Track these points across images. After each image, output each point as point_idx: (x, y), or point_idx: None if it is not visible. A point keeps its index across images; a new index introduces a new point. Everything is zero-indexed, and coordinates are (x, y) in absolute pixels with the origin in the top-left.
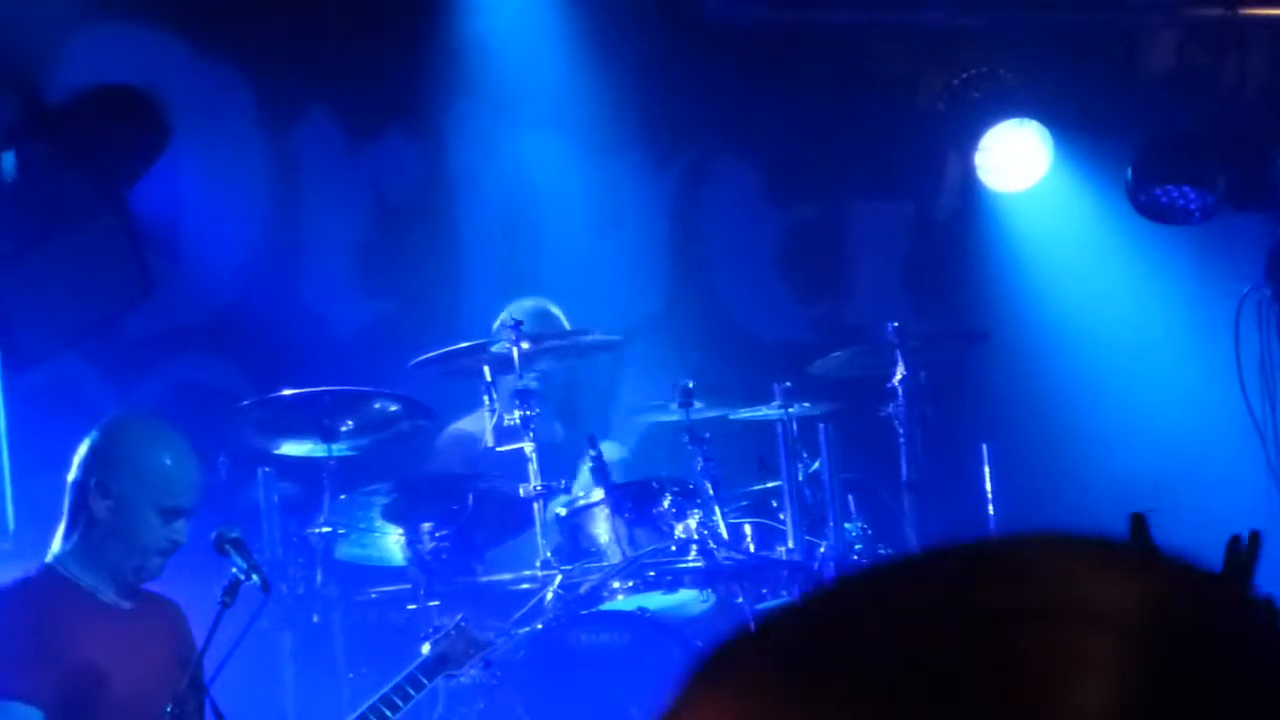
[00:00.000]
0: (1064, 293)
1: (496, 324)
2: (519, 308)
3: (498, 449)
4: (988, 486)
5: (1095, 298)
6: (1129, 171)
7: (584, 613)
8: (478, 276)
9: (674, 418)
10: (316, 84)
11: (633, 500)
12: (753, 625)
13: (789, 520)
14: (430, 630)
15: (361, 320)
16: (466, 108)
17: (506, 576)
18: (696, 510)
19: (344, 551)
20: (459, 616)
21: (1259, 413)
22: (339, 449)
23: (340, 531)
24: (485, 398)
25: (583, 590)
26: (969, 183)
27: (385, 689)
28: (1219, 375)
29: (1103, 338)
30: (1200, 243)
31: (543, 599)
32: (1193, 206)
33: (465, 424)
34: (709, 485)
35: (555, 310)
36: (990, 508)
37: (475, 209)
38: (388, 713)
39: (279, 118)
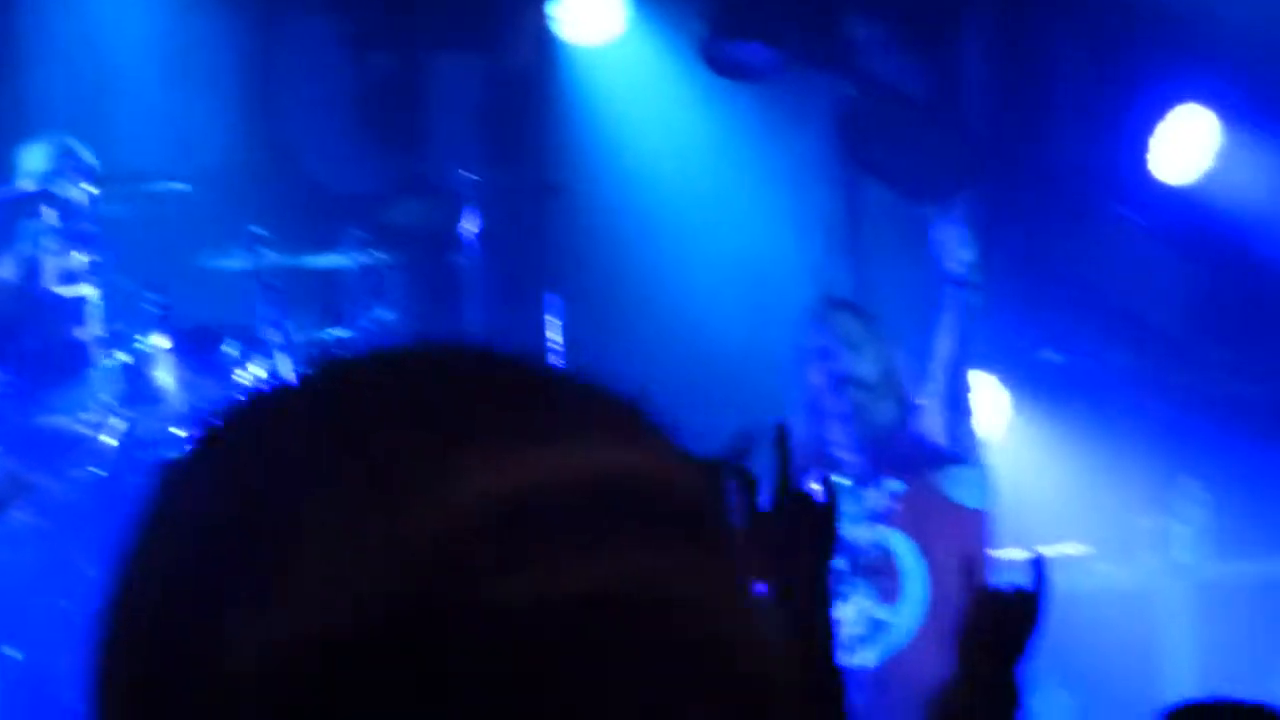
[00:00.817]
0: (638, 147)
1: (31, 164)
2: (42, 147)
3: (60, 293)
4: (557, 338)
5: (668, 153)
6: (702, 27)
7: (144, 458)
8: (40, 123)
9: (242, 264)
10: None
11: (198, 347)
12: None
13: None
14: None
15: None
16: None
17: (65, 420)
18: (263, 358)
19: None
20: (7, 458)
21: (823, 270)
22: None
23: None
24: (44, 239)
25: (143, 436)
26: (545, 35)
27: None
28: (789, 231)
29: (675, 193)
30: (771, 100)
31: (103, 444)
32: (763, 64)
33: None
34: (276, 333)
35: (79, 148)
36: (557, 359)
37: (41, 57)
38: None
39: None
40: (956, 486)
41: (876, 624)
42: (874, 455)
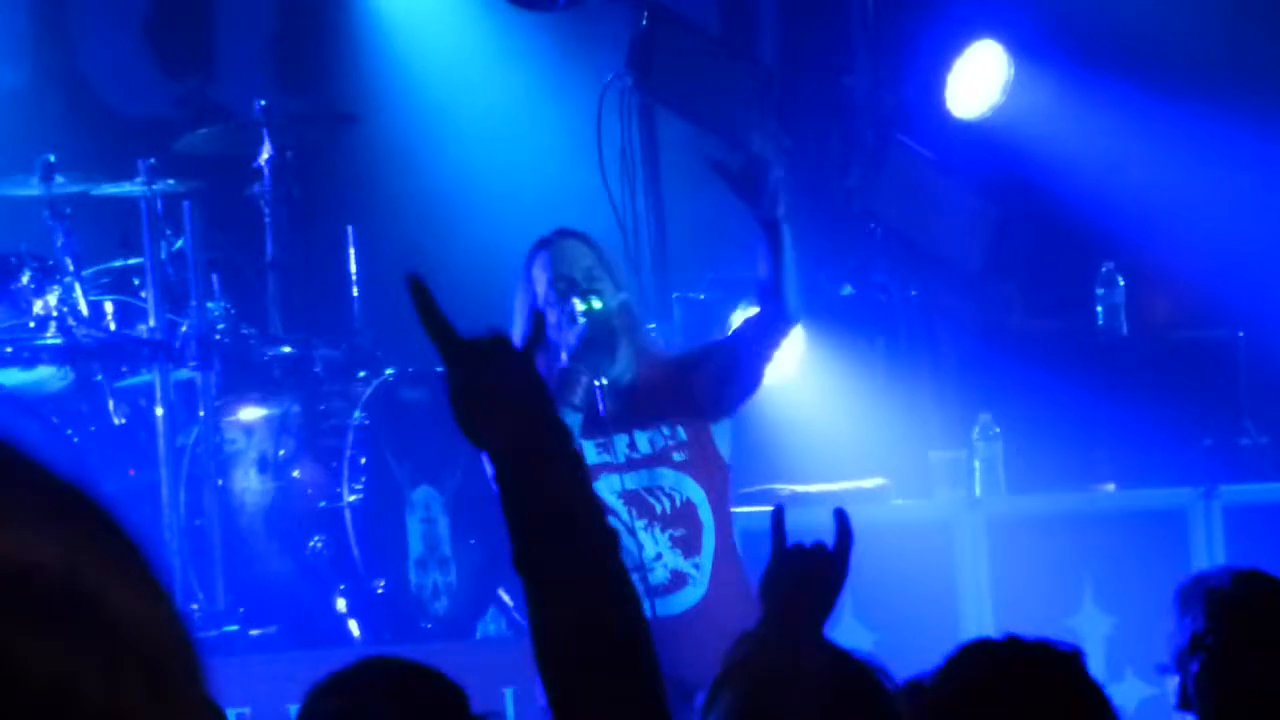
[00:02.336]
0: (432, 77)
1: None
2: None
3: None
4: (352, 268)
5: (462, 83)
6: None
7: None
8: None
9: (34, 192)
10: None
11: None
12: None
13: (151, 298)
14: None
15: None
16: None
17: None
18: (56, 286)
19: None
20: None
21: (619, 202)
22: None
23: None
24: None
25: None
26: None
27: None
28: (582, 164)
29: (469, 124)
30: (565, 30)
31: None
32: None
33: None
34: (69, 261)
35: None
36: (354, 289)
37: None
38: None
39: None
40: (719, 437)
41: (679, 575)
42: (627, 394)
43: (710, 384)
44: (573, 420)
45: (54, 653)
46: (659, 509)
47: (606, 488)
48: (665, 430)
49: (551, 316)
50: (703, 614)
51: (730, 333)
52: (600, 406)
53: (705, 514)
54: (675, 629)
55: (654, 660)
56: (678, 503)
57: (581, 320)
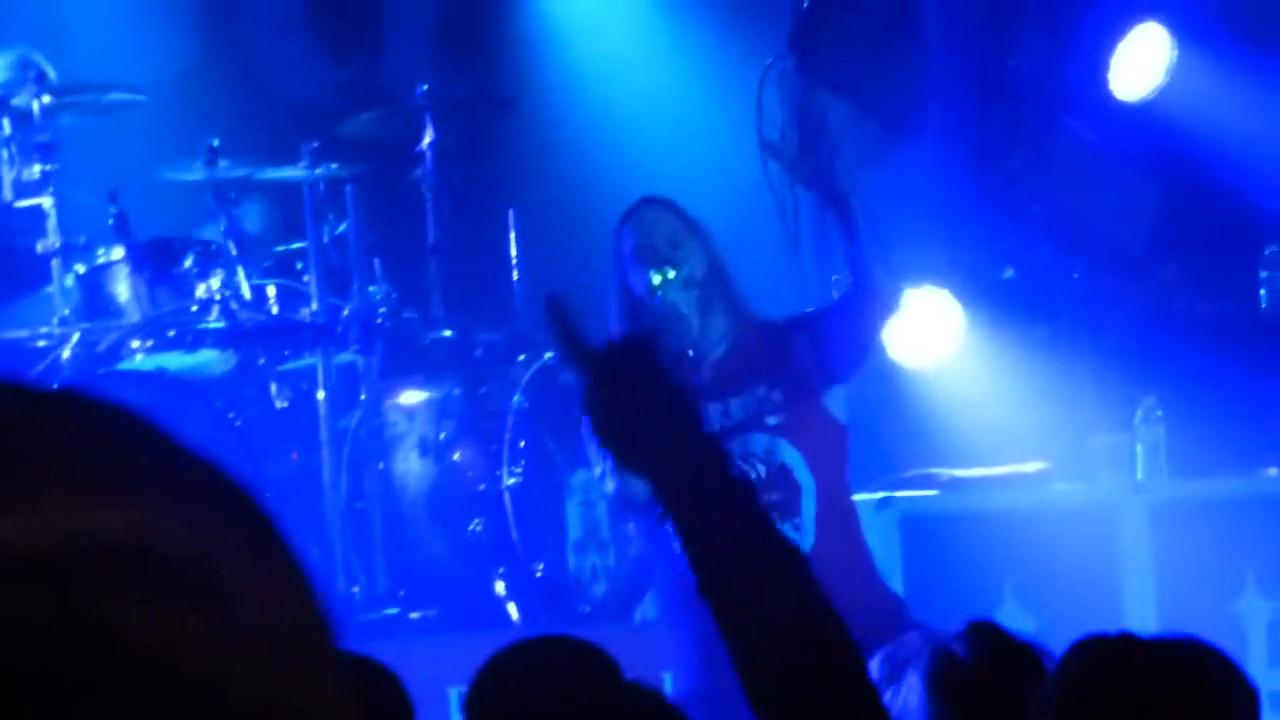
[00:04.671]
0: (592, 60)
1: None
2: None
3: (15, 205)
4: (513, 252)
5: (623, 66)
6: None
7: (102, 372)
8: None
9: (198, 176)
10: None
11: (154, 258)
12: None
13: (313, 282)
14: None
15: None
16: None
17: (22, 333)
18: (219, 270)
19: None
20: None
21: (779, 186)
22: None
23: None
24: (2, 151)
25: (101, 349)
26: None
27: None
28: (742, 147)
29: (630, 107)
30: (725, 12)
31: (59, 357)
32: None
33: None
34: (232, 245)
35: (39, 60)
36: (515, 273)
37: None
38: None
39: None
40: (831, 400)
41: None
42: (722, 361)
43: (811, 350)
44: None
45: (161, 617)
46: (752, 475)
47: None
48: (760, 393)
49: (638, 284)
50: None
51: (835, 299)
52: (692, 377)
53: (803, 475)
54: None
55: (866, 676)
56: (772, 467)
57: (656, 292)
